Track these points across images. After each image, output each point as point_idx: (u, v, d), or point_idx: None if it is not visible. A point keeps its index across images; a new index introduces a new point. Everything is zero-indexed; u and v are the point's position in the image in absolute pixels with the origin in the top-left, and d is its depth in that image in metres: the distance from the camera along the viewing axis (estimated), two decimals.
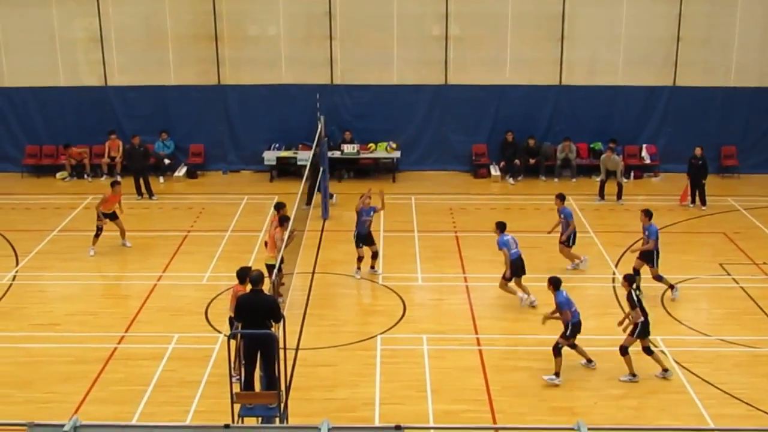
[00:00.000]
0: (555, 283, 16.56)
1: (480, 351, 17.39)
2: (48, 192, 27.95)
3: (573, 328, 16.31)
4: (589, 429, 9.49)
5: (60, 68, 29.64)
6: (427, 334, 18.06)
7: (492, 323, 18.65)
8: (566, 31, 28.74)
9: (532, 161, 28.87)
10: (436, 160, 29.94)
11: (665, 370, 16.32)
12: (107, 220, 22.32)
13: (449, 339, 17.93)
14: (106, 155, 29.32)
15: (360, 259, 20.76)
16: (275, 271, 17.43)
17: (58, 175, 29.54)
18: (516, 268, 19.16)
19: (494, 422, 14.92)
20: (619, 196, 26.39)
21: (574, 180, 28.81)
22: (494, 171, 29.19)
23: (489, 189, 28.36)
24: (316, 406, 15.23)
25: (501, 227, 19.37)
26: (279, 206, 19.44)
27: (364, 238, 20.76)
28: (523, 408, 15.39)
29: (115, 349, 17.48)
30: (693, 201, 25.95)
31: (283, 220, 18.64)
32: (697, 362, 16.87)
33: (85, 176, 29.36)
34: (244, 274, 14.95)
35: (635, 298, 16.18)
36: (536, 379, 16.26)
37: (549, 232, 21.63)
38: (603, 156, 26.89)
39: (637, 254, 19.86)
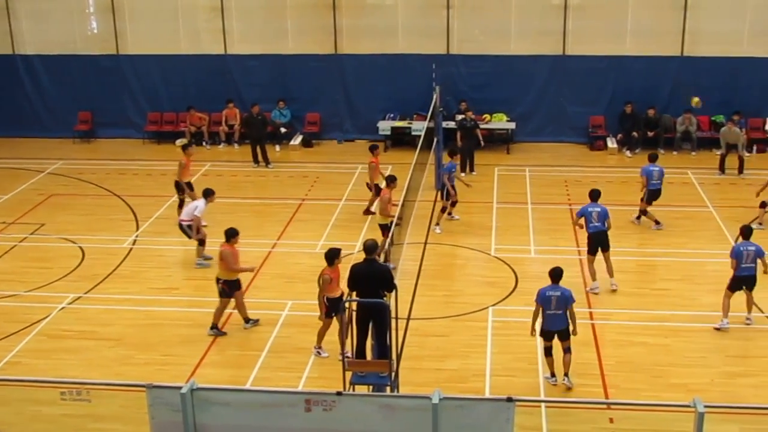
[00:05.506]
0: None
1: (593, 325, 17.16)
2: (168, 158, 28.58)
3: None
4: (705, 406, 9.31)
5: (181, 36, 30.28)
6: None
7: (606, 297, 18.34)
8: (690, 0, 27.90)
9: (650, 134, 28.22)
10: (552, 131, 29.55)
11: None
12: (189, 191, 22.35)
13: None
14: (223, 123, 29.83)
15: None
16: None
17: (178, 141, 30.10)
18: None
19: (606, 397, 14.75)
20: (741, 170, 25.65)
21: (694, 153, 28.06)
22: (611, 143, 28.66)
23: (605, 161, 27.87)
24: (427, 376, 15.30)
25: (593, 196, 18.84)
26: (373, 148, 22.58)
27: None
28: (638, 384, 15.15)
29: (231, 314, 17.80)
30: None
31: (390, 180, 19.94)
32: None
33: (204, 143, 29.95)
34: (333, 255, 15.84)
35: None
36: (652, 356, 16.00)
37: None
38: (723, 129, 26.15)
39: None
